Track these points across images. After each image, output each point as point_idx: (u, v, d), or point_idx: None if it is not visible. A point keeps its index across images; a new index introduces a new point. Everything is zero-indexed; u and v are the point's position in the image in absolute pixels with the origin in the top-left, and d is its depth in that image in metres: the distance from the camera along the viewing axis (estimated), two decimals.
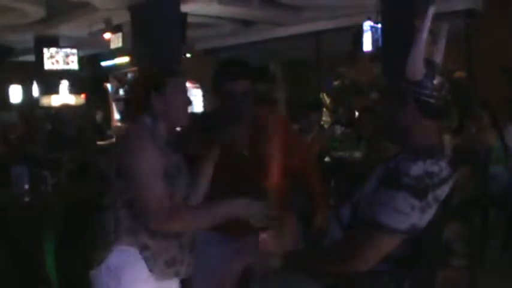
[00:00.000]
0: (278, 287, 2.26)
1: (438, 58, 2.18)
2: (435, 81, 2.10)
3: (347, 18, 11.18)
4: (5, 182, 4.91)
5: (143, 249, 2.36)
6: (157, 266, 2.39)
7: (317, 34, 12.42)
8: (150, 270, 2.37)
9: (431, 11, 2.13)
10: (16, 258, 4.74)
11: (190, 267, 2.52)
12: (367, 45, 10.38)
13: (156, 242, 2.38)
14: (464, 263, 4.86)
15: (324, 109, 11.94)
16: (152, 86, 2.43)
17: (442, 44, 2.22)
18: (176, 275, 2.47)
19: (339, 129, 9.05)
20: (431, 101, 2.10)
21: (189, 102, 2.52)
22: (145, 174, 2.30)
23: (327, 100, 13.23)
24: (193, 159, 2.62)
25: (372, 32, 10.23)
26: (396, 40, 7.25)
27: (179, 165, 2.50)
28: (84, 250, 2.65)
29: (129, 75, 13.18)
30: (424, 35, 2.11)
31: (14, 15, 11.31)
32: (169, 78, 2.45)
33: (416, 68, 2.09)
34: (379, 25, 9.58)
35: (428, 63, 2.11)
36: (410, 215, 1.99)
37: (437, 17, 2.16)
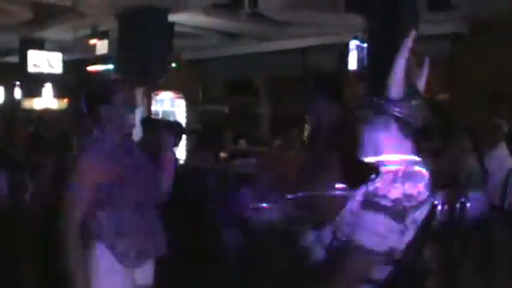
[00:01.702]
0: None
1: (422, 81, 2.21)
2: (414, 102, 2.13)
3: (333, 36, 11.23)
4: None
5: (112, 248, 2.51)
6: (129, 260, 2.55)
7: (303, 50, 12.46)
8: (123, 265, 2.54)
9: (413, 33, 2.17)
10: None
11: (158, 249, 2.72)
12: (352, 64, 10.42)
13: (123, 241, 2.54)
14: (439, 283, 4.88)
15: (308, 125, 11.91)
16: (105, 98, 2.57)
17: (426, 68, 2.25)
18: (144, 262, 2.64)
19: None
20: (410, 120, 2.12)
21: (134, 110, 2.69)
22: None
23: None
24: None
25: (358, 51, 10.27)
26: (381, 60, 7.27)
27: (138, 164, 2.68)
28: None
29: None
30: (405, 53, 2.14)
31: (0, 15, 11.22)
32: (117, 89, 2.58)
33: (396, 85, 2.11)
34: (365, 44, 9.62)
35: (409, 84, 2.13)
36: (389, 237, 1.99)
37: (424, 39, 2.19)
